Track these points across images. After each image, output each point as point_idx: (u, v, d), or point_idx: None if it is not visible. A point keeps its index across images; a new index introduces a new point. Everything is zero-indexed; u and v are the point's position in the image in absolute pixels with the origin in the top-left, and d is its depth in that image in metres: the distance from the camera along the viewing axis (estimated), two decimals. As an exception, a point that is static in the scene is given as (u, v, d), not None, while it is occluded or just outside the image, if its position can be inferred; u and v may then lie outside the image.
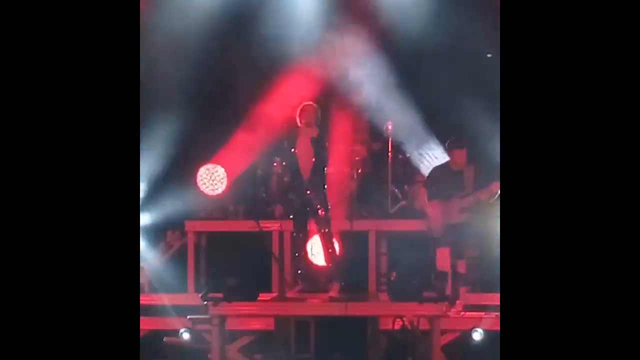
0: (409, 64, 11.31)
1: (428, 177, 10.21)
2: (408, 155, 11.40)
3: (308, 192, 9.38)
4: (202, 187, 11.20)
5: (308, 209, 9.43)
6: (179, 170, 11.23)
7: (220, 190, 11.22)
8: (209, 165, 11.26)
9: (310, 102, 9.55)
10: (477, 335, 9.32)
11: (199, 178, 11.21)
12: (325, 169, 9.50)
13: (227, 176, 11.22)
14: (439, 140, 11.18)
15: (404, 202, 11.16)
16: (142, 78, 6.01)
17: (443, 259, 9.71)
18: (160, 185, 11.02)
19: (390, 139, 11.20)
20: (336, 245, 9.60)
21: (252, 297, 9.35)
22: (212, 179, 11.22)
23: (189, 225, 10.84)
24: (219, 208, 11.37)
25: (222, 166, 11.22)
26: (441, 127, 11.09)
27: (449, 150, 9.99)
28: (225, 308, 9.14)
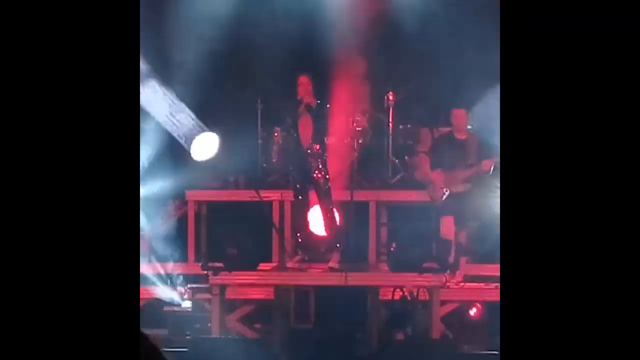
0: (412, 32, 11.22)
1: (431, 145, 10.18)
2: (409, 125, 11.35)
3: (308, 162, 9.37)
4: (194, 155, 10.93)
5: (308, 179, 9.43)
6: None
7: (212, 155, 10.92)
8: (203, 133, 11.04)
9: (307, 74, 9.53)
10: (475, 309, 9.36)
11: (192, 146, 10.99)
12: (325, 139, 9.49)
13: (219, 142, 10.94)
14: (440, 110, 11.12)
15: (404, 173, 11.14)
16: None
17: (447, 227, 9.70)
18: (160, 153, 10.94)
19: (391, 109, 11.15)
20: (336, 216, 9.60)
21: (252, 267, 9.36)
22: (203, 145, 10.98)
23: (190, 195, 10.80)
24: (219, 177, 11.32)
25: (214, 133, 10.98)
26: (443, 96, 11.03)
27: (451, 111, 9.94)
28: (225, 277, 9.16)
